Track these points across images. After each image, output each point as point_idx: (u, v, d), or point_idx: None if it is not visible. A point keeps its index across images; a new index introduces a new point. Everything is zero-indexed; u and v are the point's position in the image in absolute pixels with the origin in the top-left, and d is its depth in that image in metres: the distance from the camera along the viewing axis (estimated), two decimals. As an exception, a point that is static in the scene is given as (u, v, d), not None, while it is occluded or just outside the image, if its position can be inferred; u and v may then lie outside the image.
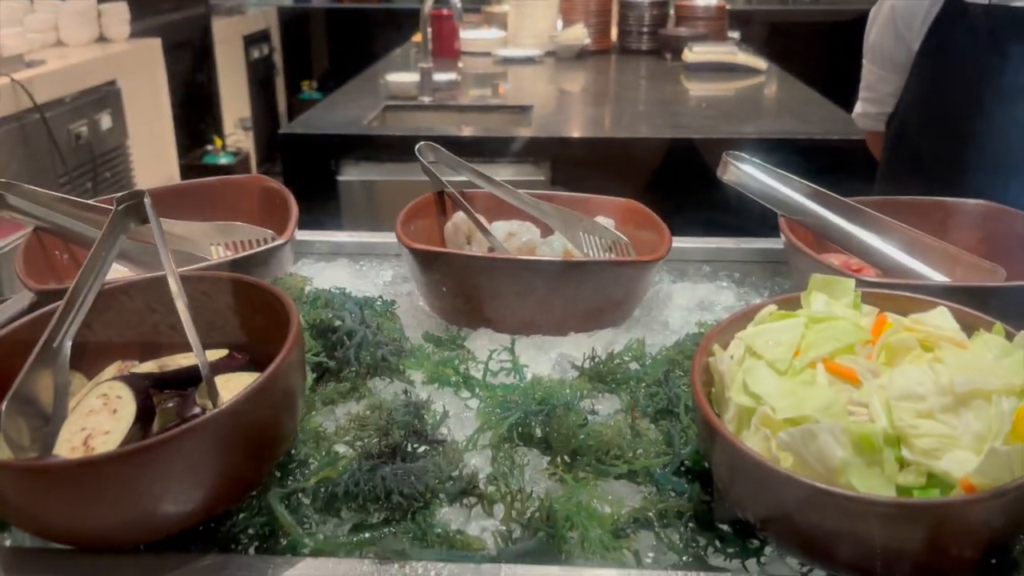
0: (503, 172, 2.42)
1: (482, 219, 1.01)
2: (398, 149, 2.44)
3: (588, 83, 3.32)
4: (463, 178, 1.02)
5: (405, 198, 1.02)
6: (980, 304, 0.84)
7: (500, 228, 1.02)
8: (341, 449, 0.67)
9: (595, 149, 2.52)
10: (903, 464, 0.55)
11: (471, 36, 3.62)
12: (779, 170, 1.01)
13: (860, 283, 0.72)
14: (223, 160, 3.71)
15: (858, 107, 1.89)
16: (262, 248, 0.89)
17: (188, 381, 0.66)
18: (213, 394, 0.60)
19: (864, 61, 1.82)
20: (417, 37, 3.42)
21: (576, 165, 2.48)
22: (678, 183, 2.48)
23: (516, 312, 0.85)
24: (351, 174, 2.47)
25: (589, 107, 2.98)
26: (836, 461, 0.53)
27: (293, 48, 4.76)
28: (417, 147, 1.02)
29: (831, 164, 2.42)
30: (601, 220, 1.02)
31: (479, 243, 1.00)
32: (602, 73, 3.46)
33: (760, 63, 3.32)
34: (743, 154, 1.02)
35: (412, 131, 2.72)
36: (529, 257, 0.91)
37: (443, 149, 1.03)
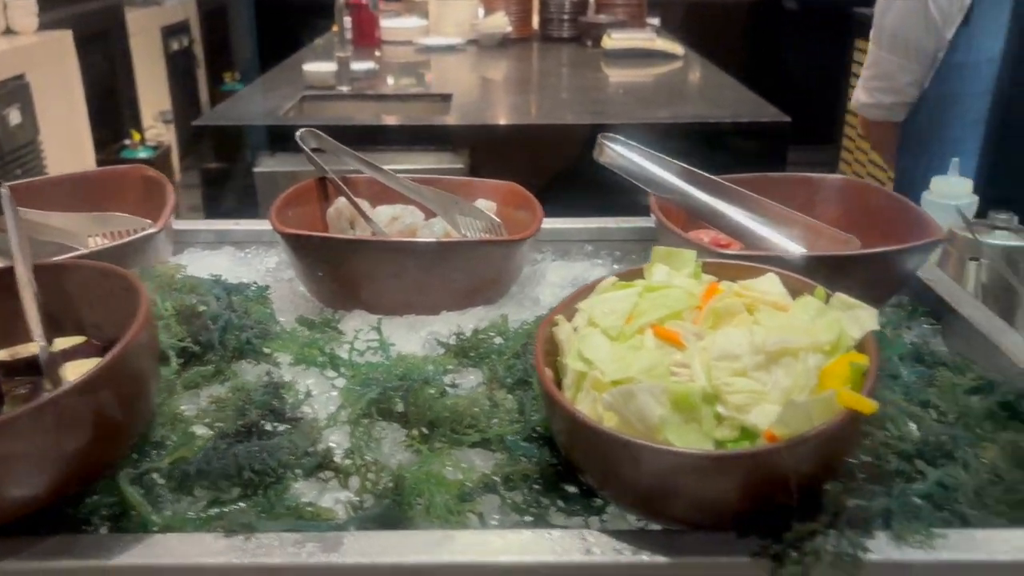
0: (422, 160, 2.43)
1: (365, 203, 1.03)
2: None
3: (509, 71, 3.34)
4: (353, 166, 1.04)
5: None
6: (832, 271, 0.89)
7: (384, 212, 1.03)
8: (200, 431, 0.68)
9: (514, 136, 2.54)
10: (720, 420, 0.58)
11: (392, 25, 3.61)
12: (651, 150, 1.04)
13: (703, 254, 0.75)
14: (142, 154, 3.63)
15: (866, 97, 1.85)
16: (133, 237, 0.89)
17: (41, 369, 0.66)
18: (55, 380, 0.61)
19: (875, 49, 1.78)
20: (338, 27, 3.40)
21: (495, 152, 2.50)
22: (595, 168, 2.52)
23: (389, 293, 0.87)
24: (267, 165, 2.44)
25: (509, 95, 3.01)
26: (655, 419, 0.57)
27: (214, 39, 4.67)
28: (298, 134, 1.03)
29: (742, 145, 2.49)
30: (483, 203, 1.05)
31: (363, 227, 1.02)
32: (523, 61, 3.48)
33: (677, 48, 3.38)
34: (617, 135, 1.05)
35: (330, 121, 2.70)
36: (396, 239, 0.93)
37: (325, 135, 1.04)
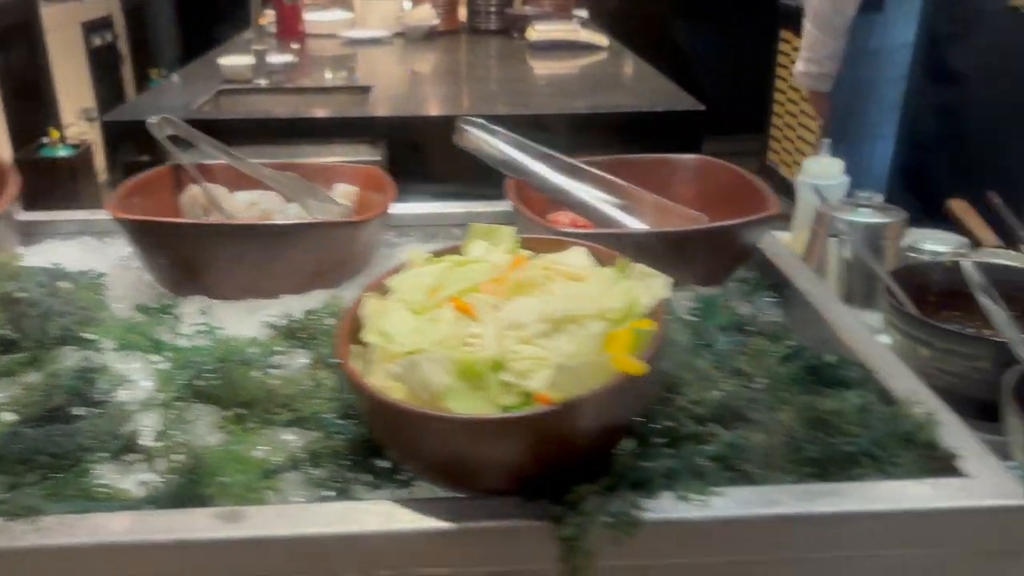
0: (339, 152, 2.40)
1: (223, 190, 1.02)
2: (229, 134, 2.38)
3: (433, 64, 3.33)
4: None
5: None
6: (670, 247, 0.91)
7: (242, 198, 1.03)
8: (9, 417, 0.67)
9: (430, 128, 2.53)
10: (507, 387, 0.59)
11: (317, 18, 3.58)
12: (510, 133, 1.05)
13: (529, 231, 0.76)
14: (62, 153, 3.54)
15: (800, 66, 2.01)
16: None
17: None
18: None
19: (805, 22, 1.94)
20: (264, 19, 3.35)
21: (413, 144, 2.49)
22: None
23: (228, 278, 0.87)
24: (181, 160, 2.40)
25: (427, 87, 3.00)
26: (439, 387, 0.57)
27: (139, 35, 4.58)
28: (151, 121, 1.02)
29: (657, 134, 2.52)
30: (343, 187, 1.05)
31: (218, 214, 1.01)
32: (449, 53, 3.48)
33: (602, 40, 3.41)
34: (477, 119, 1.06)
35: (245, 115, 2.67)
36: (230, 222, 0.93)
37: (180, 122, 1.04)
